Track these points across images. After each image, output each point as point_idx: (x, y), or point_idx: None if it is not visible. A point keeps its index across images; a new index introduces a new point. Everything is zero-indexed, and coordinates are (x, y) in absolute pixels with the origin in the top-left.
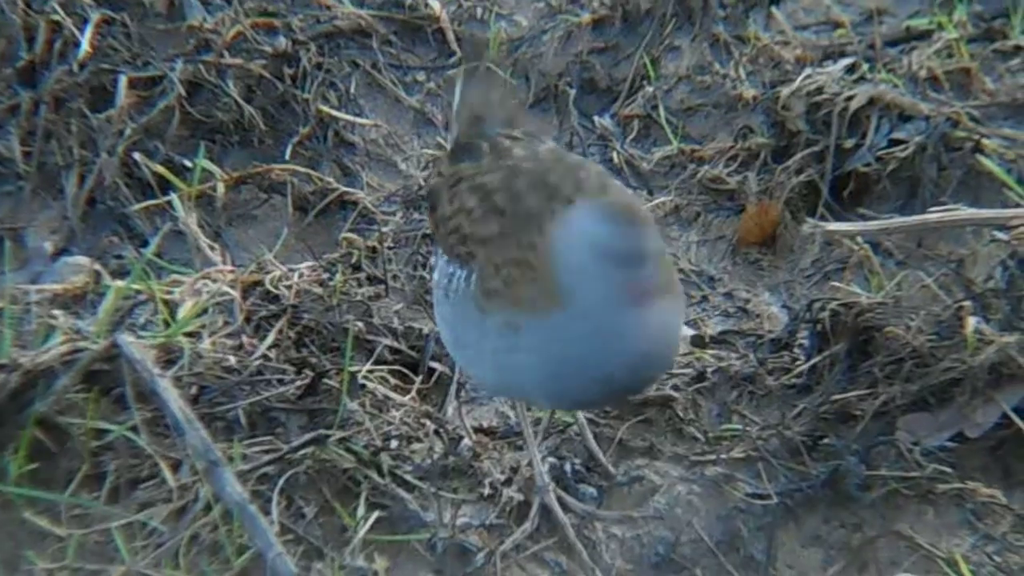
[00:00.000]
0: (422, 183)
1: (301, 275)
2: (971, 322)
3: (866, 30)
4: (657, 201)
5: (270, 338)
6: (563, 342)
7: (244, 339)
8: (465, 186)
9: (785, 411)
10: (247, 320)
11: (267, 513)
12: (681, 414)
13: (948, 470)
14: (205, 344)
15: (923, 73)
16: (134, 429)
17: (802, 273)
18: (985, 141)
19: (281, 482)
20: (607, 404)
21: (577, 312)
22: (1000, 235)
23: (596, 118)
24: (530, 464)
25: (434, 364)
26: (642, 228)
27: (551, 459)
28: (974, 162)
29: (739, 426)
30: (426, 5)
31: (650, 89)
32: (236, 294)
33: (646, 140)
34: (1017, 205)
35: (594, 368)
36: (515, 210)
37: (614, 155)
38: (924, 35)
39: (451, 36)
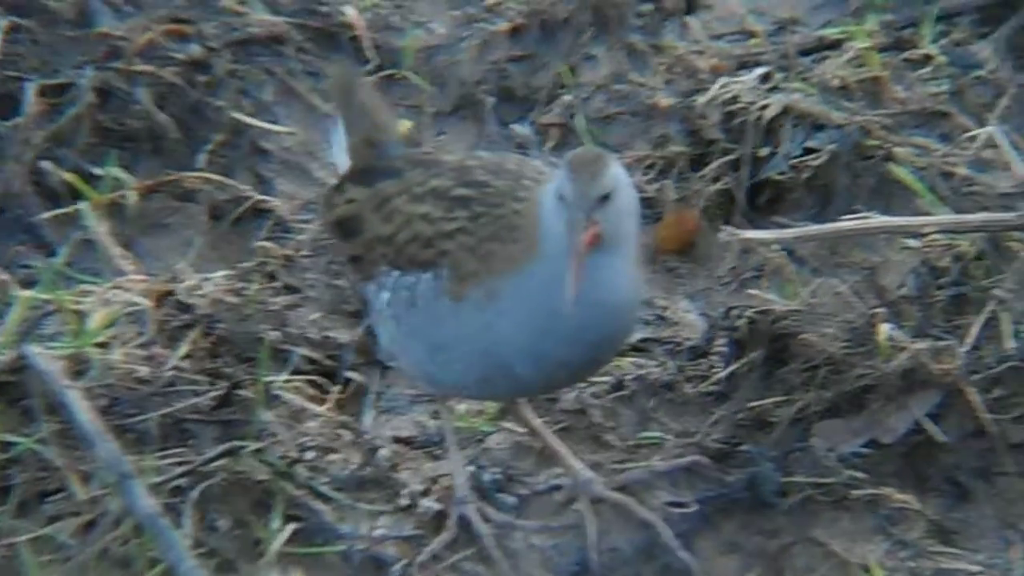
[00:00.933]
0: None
1: (215, 284)
2: (884, 329)
3: (779, 40)
4: None
5: (183, 348)
6: (538, 291)
7: (156, 349)
8: (403, 199)
9: (703, 418)
10: (159, 330)
11: (179, 526)
12: (600, 422)
13: (862, 476)
14: (116, 355)
15: (835, 82)
16: (42, 441)
17: (719, 281)
18: (897, 149)
19: (194, 495)
20: (587, 367)
21: (546, 256)
22: (912, 242)
23: (514, 126)
24: (450, 474)
25: (351, 374)
26: (592, 176)
27: (470, 468)
28: (886, 170)
29: (658, 434)
30: (341, 12)
31: (568, 97)
32: (148, 304)
33: (564, 148)
34: (928, 213)
35: (564, 317)
36: (484, 194)
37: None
38: (836, 45)
39: (367, 43)
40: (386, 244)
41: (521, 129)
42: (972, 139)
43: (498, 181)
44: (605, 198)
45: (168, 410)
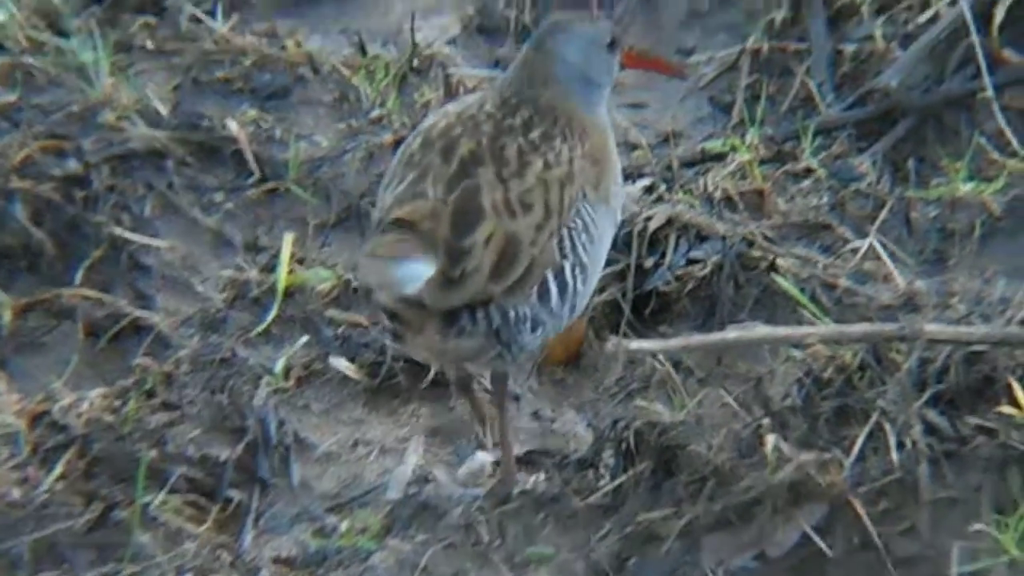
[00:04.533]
0: (219, 305)
1: (92, 403)
2: (770, 440)
3: (663, 152)
4: None
5: (57, 469)
6: None
7: (29, 471)
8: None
9: (591, 532)
10: (33, 451)
11: None
12: (486, 539)
13: None
14: None
15: (719, 194)
16: None
17: (606, 392)
18: (780, 260)
19: None
20: None
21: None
22: (796, 353)
23: None
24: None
25: (231, 492)
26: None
27: None
28: (769, 281)
29: (546, 549)
30: (224, 126)
31: None
32: (22, 425)
33: None
34: (811, 323)
35: None
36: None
37: None
38: (719, 157)
39: (249, 156)
40: (546, 222)
41: None
42: (853, 251)
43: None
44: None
45: (41, 533)
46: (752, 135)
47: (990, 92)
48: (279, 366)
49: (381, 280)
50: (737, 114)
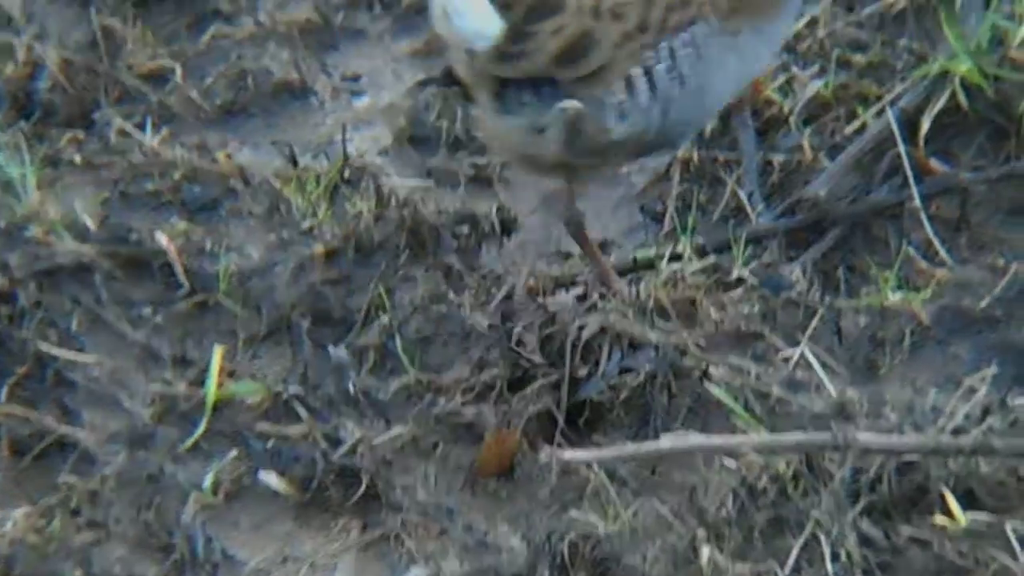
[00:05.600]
0: (147, 421)
1: (15, 523)
2: (705, 552)
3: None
4: (394, 433)
5: None
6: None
7: None
8: None
9: None
10: None
11: None
12: None
13: None
14: None
15: (651, 303)
16: None
17: (541, 504)
18: (712, 369)
19: None
20: None
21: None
22: (730, 463)
23: (331, 348)
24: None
25: None
26: None
27: None
28: (702, 390)
29: None
30: (152, 239)
31: (385, 320)
32: None
33: (382, 370)
34: (744, 432)
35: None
36: None
37: (350, 386)
38: (651, 266)
39: (179, 269)
40: (639, 34)
41: (337, 352)
42: (785, 360)
43: None
44: None
45: None
46: (684, 244)
47: (917, 202)
48: (208, 481)
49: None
50: (668, 223)
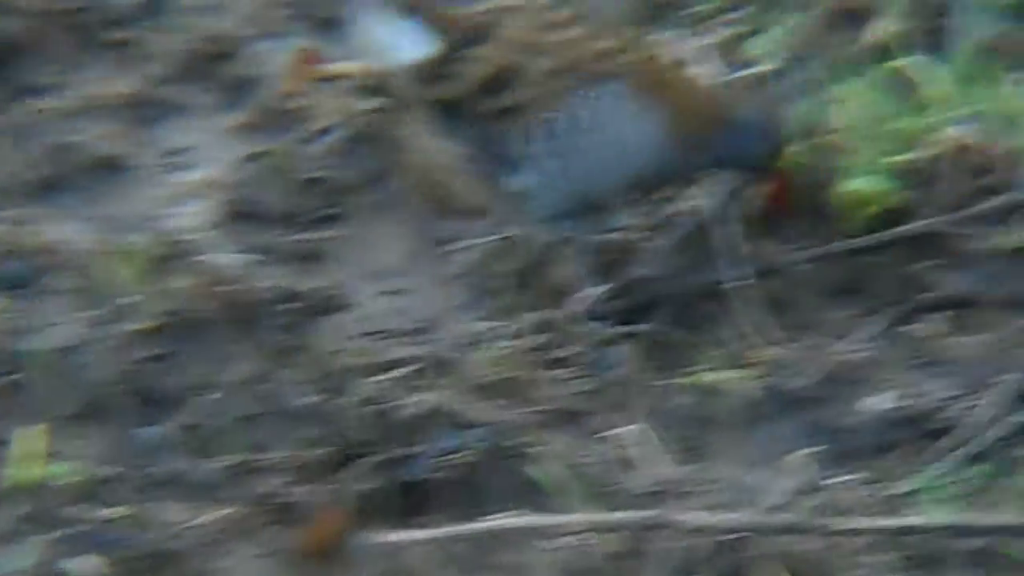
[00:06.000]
0: None
1: None
2: None
3: (425, 338)
4: (217, 514)
5: None
6: None
7: None
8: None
9: None
10: None
11: None
12: None
13: None
14: None
15: (481, 381)
16: None
17: None
18: (542, 448)
19: None
20: None
21: None
22: (558, 541)
23: (152, 428)
24: None
25: None
26: None
27: None
28: (532, 468)
29: None
30: None
31: (211, 397)
32: None
33: (206, 450)
34: (573, 511)
35: None
36: None
37: (172, 466)
38: (481, 343)
39: None
40: (558, 77)
41: (159, 432)
42: (615, 438)
43: None
44: None
45: None
46: (514, 321)
47: (742, 282)
48: (21, 567)
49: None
50: (499, 300)
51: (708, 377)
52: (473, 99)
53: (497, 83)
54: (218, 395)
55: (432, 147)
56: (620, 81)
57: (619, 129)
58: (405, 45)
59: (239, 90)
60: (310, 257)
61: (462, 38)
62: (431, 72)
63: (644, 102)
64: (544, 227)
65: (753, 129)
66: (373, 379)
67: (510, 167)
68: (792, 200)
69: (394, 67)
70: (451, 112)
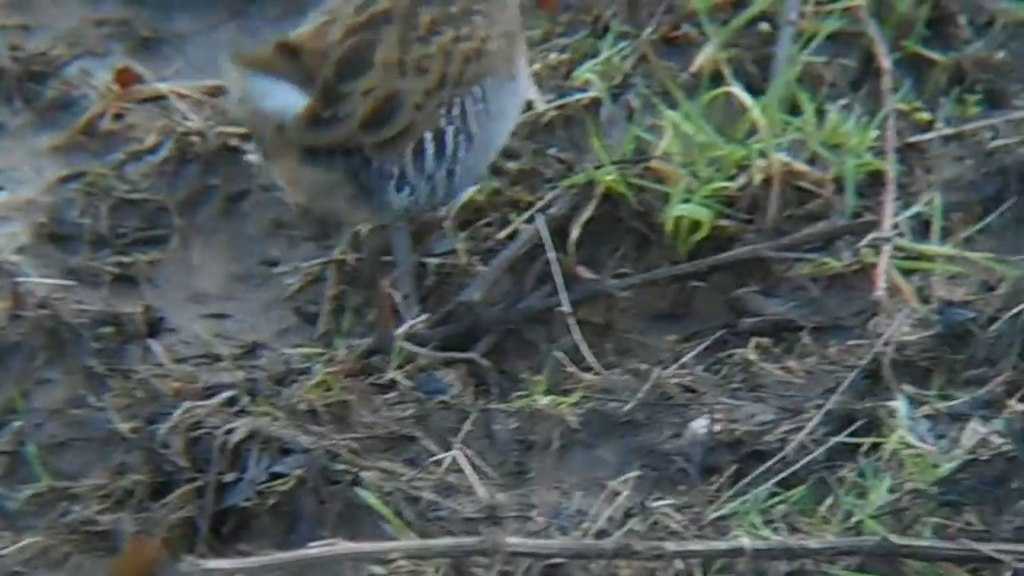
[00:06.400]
0: None
1: None
2: None
3: (246, 363)
4: (23, 543)
5: None
6: None
7: None
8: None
9: None
10: None
11: None
12: None
13: None
14: None
15: (303, 406)
16: None
17: None
18: (364, 474)
19: None
20: None
21: None
22: (378, 569)
23: None
24: None
25: None
26: None
27: None
28: (353, 495)
29: None
30: None
31: (18, 424)
32: None
33: (13, 478)
34: (394, 538)
35: None
36: None
37: None
38: (303, 370)
39: None
40: (438, 90)
41: None
42: (437, 463)
43: None
44: None
45: None
46: (337, 347)
47: (566, 308)
48: None
49: (245, 92)
50: (323, 326)
51: (532, 402)
52: (355, 137)
53: (381, 115)
54: (28, 421)
55: (300, 174)
56: (491, 75)
57: (497, 120)
58: (278, 99)
59: (56, 111)
60: (128, 279)
61: (338, 72)
62: (308, 122)
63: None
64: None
65: None
66: (192, 405)
67: (388, 188)
68: None
69: (268, 121)
70: (329, 152)
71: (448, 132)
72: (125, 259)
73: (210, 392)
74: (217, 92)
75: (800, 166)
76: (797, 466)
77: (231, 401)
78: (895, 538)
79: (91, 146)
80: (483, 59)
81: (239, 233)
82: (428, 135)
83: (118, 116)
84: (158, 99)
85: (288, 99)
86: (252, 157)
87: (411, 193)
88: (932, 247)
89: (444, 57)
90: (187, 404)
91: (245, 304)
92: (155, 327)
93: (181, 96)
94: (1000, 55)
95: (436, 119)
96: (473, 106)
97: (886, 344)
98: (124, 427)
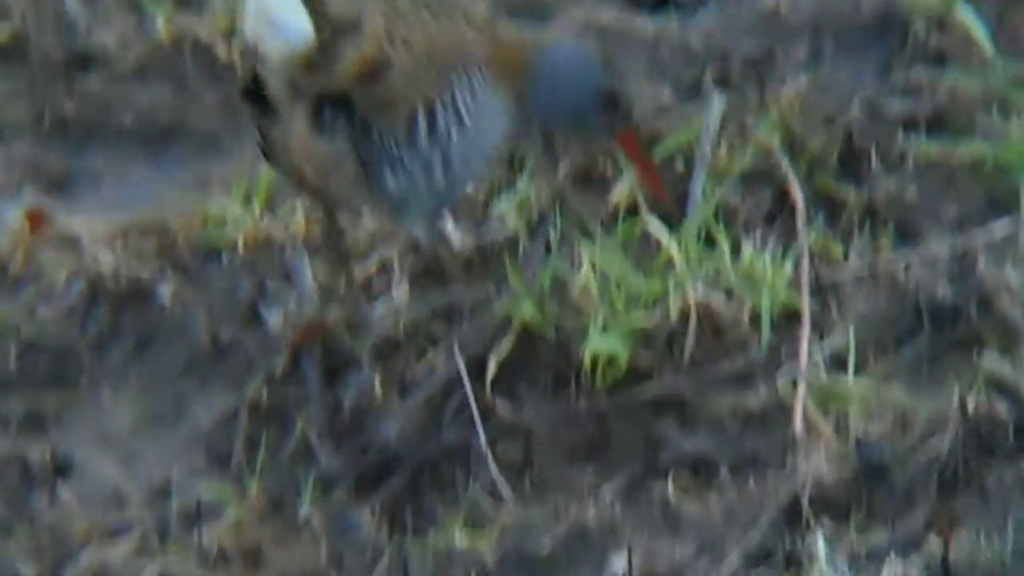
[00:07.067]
0: None
1: None
2: None
3: (156, 504)
4: None
5: None
6: None
7: None
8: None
9: None
10: None
11: None
12: None
13: None
14: None
15: (214, 548)
16: None
17: None
18: None
19: None
20: None
21: None
22: None
23: None
24: None
25: None
26: None
27: None
28: None
29: None
30: None
31: None
32: None
33: None
34: None
35: None
36: None
37: None
38: (215, 510)
39: None
40: (426, 65)
41: None
42: None
43: None
44: None
45: None
46: (250, 487)
47: (483, 443)
48: None
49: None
50: (236, 465)
51: (448, 539)
52: (350, 92)
53: (372, 74)
54: None
55: (311, 144)
56: (480, 69)
57: (486, 116)
58: (291, 27)
59: None
60: (36, 420)
61: (333, 30)
62: (311, 61)
63: (497, 82)
64: (413, 228)
65: (564, 71)
66: (102, 547)
67: (385, 168)
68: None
69: (278, 52)
70: (331, 108)
71: (439, 111)
72: (33, 402)
73: (118, 535)
74: (129, 230)
75: (716, 302)
76: None
77: (140, 544)
78: None
79: (0, 288)
80: (469, 50)
81: (150, 374)
82: (420, 109)
83: (27, 257)
84: (69, 240)
85: (300, 29)
86: (164, 297)
87: (408, 178)
88: (848, 384)
89: (429, 40)
90: (94, 548)
91: (156, 444)
92: (63, 470)
93: (93, 236)
94: (912, 191)
95: (427, 93)
96: (461, 94)
97: (804, 481)
98: (29, 573)
